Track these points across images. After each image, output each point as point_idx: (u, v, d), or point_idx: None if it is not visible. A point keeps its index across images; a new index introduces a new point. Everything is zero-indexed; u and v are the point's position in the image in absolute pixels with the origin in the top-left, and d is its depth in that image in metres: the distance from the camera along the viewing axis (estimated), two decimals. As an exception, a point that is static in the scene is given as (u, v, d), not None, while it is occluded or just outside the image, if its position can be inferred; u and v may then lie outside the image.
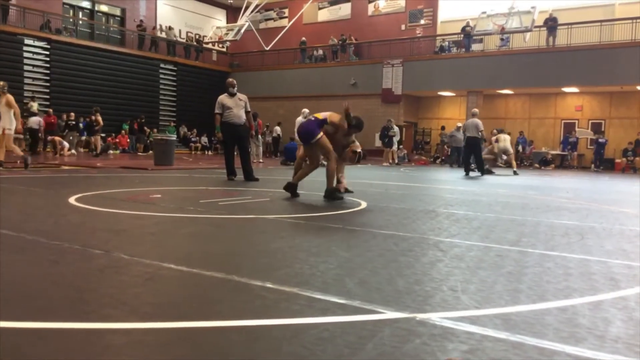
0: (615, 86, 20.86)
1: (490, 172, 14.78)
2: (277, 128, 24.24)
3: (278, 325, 1.98)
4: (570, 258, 3.38)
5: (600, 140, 20.83)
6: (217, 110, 9.02)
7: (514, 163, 16.44)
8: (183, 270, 2.75)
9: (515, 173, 15.19)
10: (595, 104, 22.89)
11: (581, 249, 3.74)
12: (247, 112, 9.16)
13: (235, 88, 9.10)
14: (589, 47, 20.40)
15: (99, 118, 17.85)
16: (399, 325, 2.00)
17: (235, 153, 9.46)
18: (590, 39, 20.79)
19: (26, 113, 19.88)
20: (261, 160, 17.39)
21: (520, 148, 23.05)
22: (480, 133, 13.57)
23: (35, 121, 17.70)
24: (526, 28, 20.10)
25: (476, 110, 14.50)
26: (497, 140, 16.33)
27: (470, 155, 14.15)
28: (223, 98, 9.06)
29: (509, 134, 19.47)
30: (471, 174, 13.93)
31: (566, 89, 22.35)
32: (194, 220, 4.66)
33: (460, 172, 14.61)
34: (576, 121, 23.12)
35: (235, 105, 8.98)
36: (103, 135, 20.11)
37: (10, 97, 9.97)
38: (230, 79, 9.52)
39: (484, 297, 2.42)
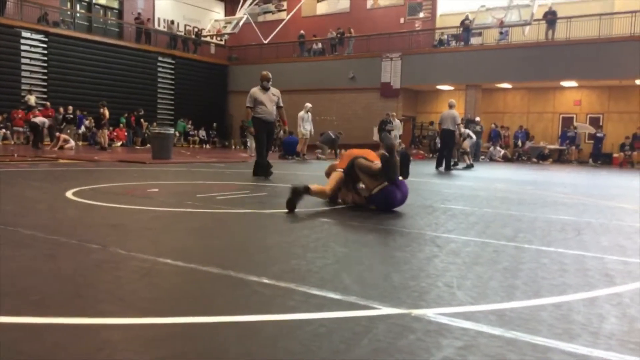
0: (614, 80, 20.85)
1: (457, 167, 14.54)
2: None
3: (274, 321, 1.99)
4: (566, 254, 3.39)
5: (598, 134, 20.84)
6: (248, 104, 8.51)
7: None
8: (180, 266, 2.76)
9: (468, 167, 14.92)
10: (593, 98, 22.88)
11: (577, 244, 3.75)
12: (279, 108, 8.71)
13: (270, 82, 8.58)
14: (588, 41, 20.37)
15: (106, 112, 17.75)
16: (394, 321, 2.02)
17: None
18: (589, 32, 20.75)
19: (24, 107, 19.89)
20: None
21: (519, 142, 23.06)
22: (456, 126, 13.00)
23: (40, 120, 17.10)
24: (525, 22, 20.08)
25: (453, 101, 13.75)
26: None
27: (445, 148, 13.38)
28: (256, 91, 8.54)
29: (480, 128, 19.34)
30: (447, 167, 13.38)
31: (565, 83, 22.34)
32: (191, 215, 4.66)
33: (461, 165, 14.59)
34: (574, 115, 23.12)
35: (269, 100, 8.50)
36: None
37: None
38: (266, 72, 8.77)
39: (479, 293, 2.43)
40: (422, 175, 11.26)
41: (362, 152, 5.38)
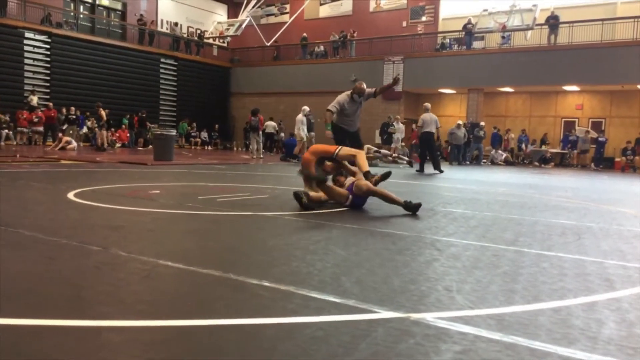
0: (616, 85, 20.83)
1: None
2: (271, 123, 23.09)
3: (273, 324, 2.00)
4: (566, 258, 3.39)
5: (600, 139, 20.83)
6: (331, 108, 7.56)
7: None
8: (180, 268, 2.76)
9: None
10: (595, 102, 22.86)
11: (577, 249, 3.75)
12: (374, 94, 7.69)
13: (362, 97, 7.57)
14: (590, 46, 20.35)
15: (102, 113, 17.75)
16: (393, 325, 2.02)
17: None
18: (591, 37, 20.74)
19: (27, 107, 19.94)
20: (261, 156, 17.40)
21: (523, 146, 23.03)
22: (437, 129, 13.41)
23: None
24: (527, 26, 20.09)
25: (428, 104, 14.26)
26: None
27: (431, 150, 13.74)
28: (345, 101, 7.56)
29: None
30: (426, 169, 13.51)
31: (567, 88, 22.32)
32: (192, 217, 4.67)
33: (457, 167, 14.58)
34: (576, 120, 23.10)
35: (354, 114, 7.69)
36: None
37: None
38: (362, 85, 7.60)
39: (478, 297, 2.43)
40: (423, 179, 11.26)
41: (322, 148, 5.77)
